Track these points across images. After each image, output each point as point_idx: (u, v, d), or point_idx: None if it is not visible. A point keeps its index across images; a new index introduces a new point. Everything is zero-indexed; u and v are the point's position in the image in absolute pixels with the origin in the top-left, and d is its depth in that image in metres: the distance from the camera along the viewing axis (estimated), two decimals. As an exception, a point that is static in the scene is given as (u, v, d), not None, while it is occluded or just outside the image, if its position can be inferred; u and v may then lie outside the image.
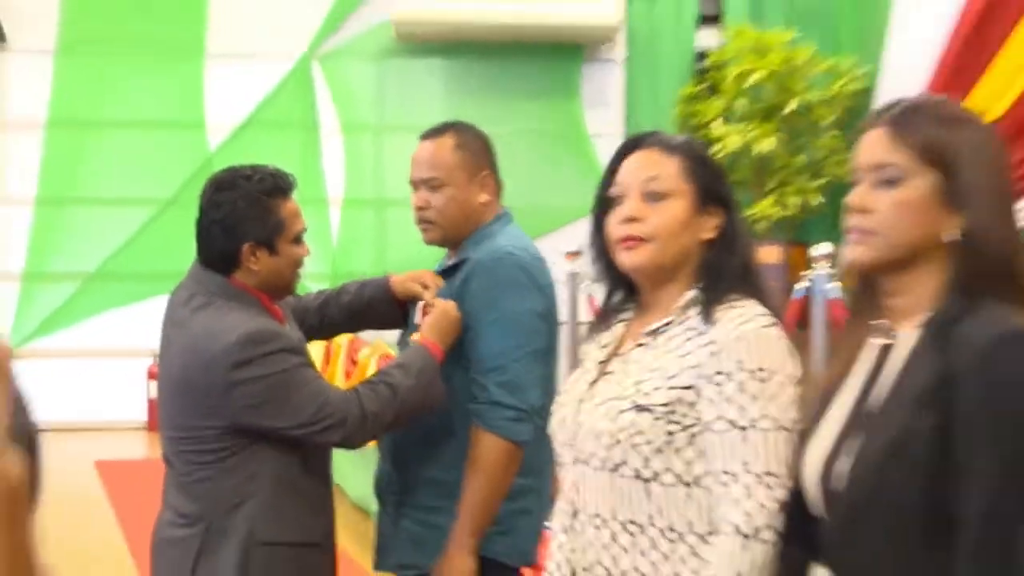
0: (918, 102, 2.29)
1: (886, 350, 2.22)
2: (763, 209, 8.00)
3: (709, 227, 2.53)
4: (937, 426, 2.06)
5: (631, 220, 2.50)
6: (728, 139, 8.04)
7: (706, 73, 8.61)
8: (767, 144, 8.04)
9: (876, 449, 2.13)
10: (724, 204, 2.54)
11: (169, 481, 3.31)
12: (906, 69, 7.82)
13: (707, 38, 8.87)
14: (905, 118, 2.19)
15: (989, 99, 7.36)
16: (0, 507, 0.50)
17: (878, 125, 2.21)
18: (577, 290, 6.34)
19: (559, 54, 8.77)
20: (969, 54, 7.50)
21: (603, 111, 8.49)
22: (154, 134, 8.81)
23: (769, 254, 7.01)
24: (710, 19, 8.91)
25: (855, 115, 8.07)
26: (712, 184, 2.54)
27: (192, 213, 3.19)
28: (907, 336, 2.18)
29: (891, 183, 2.16)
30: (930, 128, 2.17)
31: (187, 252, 3.26)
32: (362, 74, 8.66)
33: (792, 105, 8.05)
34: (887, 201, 2.16)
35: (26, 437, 1.18)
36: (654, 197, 2.52)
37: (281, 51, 8.51)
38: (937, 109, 2.23)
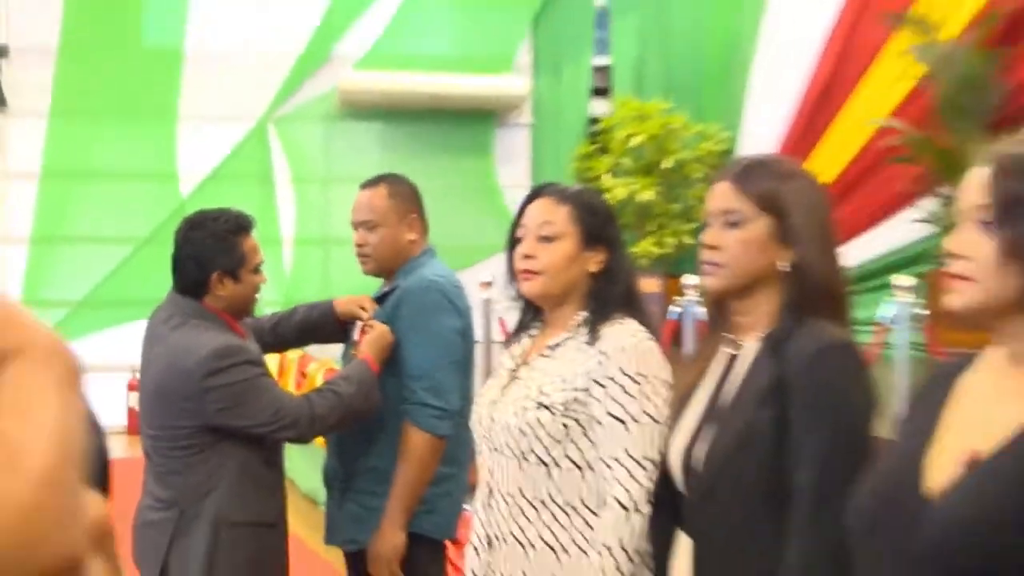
0: (758, 160, 2.38)
1: (733, 358, 2.30)
2: (644, 248, 8.03)
3: (595, 262, 2.62)
4: (774, 418, 2.13)
5: (528, 257, 2.60)
6: (615, 190, 8.03)
7: (597, 136, 8.60)
8: (647, 194, 8.06)
9: (726, 437, 2.20)
10: (608, 243, 2.63)
11: (148, 472, 3.33)
12: (761, 134, 7.88)
13: (598, 107, 8.86)
14: (746, 173, 2.28)
15: (826, 162, 7.44)
16: (94, 543, 0.42)
17: (725, 178, 2.30)
18: (490, 314, 6.36)
19: (476, 119, 8.76)
20: (810, 125, 7.59)
21: (512, 167, 8.49)
22: (133, 184, 8.70)
23: (650, 284, 7.08)
24: (601, 91, 8.88)
25: (720, 170, 8.14)
26: (597, 227, 2.62)
27: (166, 250, 3.26)
28: (750, 347, 2.26)
29: (735, 225, 2.25)
30: (766, 181, 2.26)
31: (162, 282, 3.32)
32: (310, 134, 8.62)
33: (668, 162, 8.09)
34: (732, 240, 2.25)
35: (100, 459, 1.22)
36: (546, 239, 2.61)
37: (242, 115, 8.46)
38: (773, 166, 2.32)
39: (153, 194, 8.68)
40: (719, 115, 8.42)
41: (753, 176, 2.28)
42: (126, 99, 8.62)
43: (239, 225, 3.23)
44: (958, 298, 1.72)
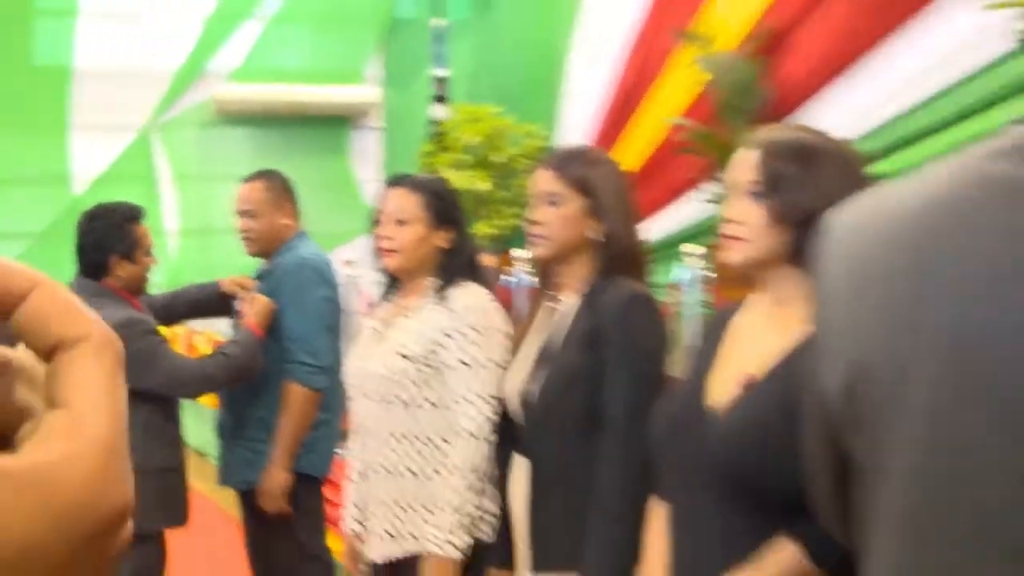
0: (572, 150, 2.49)
1: (557, 312, 2.41)
2: (481, 229, 8.05)
3: (442, 239, 2.69)
4: (592, 359, 2.24)
5: (387, 238, 2.67)
6: (455, 182, 8.02)
7: (439, 136, 8.54)
8: (482, 185, 8.06)
9: (555, 376, 2.30)
10: (453, 224, 2.71)
11: None
12: (574, 132, 7.98)
13: (439, 112, 8.83)
14: (563, 161, 2.39)
15: (629, 154, 7.54)
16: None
17: (546, 166, 2.41)
18: (352, 288, 6.37)
19: (334, 124, 8.69)
20: (614, 123, 7.67)
21: (366, 164, 8.47)
22: (30, 186, 8.42)
23: (488, 259, 7.12)
24: (440, 99, 8.88)
25: (541, 159, 8.19)
26: (443, 211, 2.70)
27: (61, 244, 3.24)
28: (570, 302, 2.37)
29: (555, 204, 2.35)
30: (579, 168, 2.37)
31: (56, 273, 3.25)
32: (189, 140, 8.44)
33: (499, 158, 8.11)
34: (553, 216, 2.35)
35: None
36: (401, 222, 2.67)
37: (128, 124, 8.24)
38: (584, 155, 2.43)
39: (48, 195, 8.39)
40: (540, 116, 8.42)
41: (568, 163, 2.39)
42: (19, 113, 8.29)
43: (132, 214, 3.24)
44: (734, 254, 1.83)
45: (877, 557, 1.05)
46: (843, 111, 5.90)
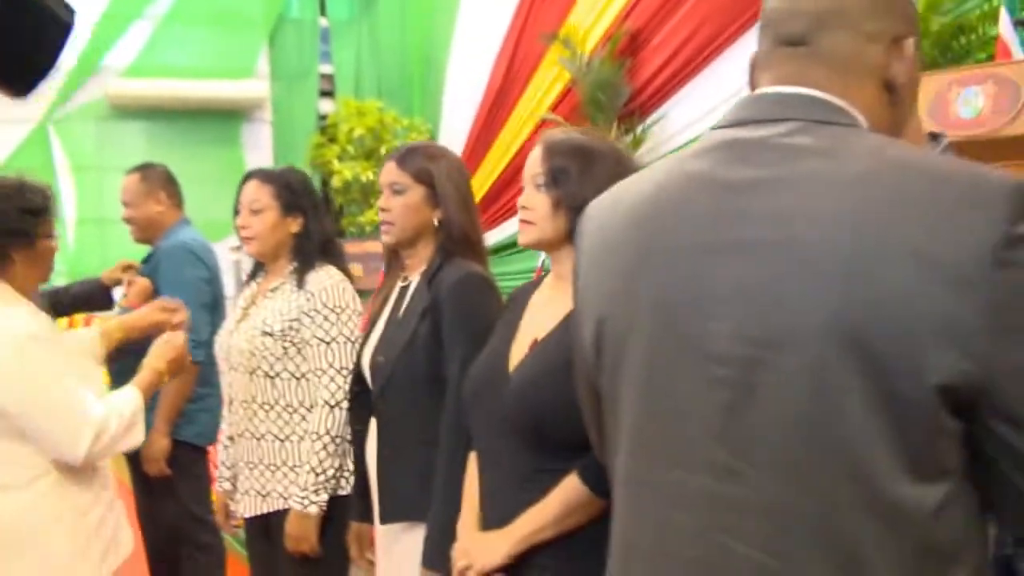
0: (414, 145, 2.62)
1: (405, 289, 2.54)
2: (369, 217, 8.14)
3: (294, 226, 2.81)
4: (431, 329, 2.37)
5: (243, 227, 2.78)
6: (343, 172, 8.12)
7: (326, 129, 8.61)
8: (368, 175, 8.14)
9: (398, 346, 2.43)
10: (303, 211, 2.82)
11: None
12: (454, 126, 8.13)
13: (326, 106, 8.86)
14: (405, 155, 2.52)
15: (505, 147, 7.71)
16: None
17: (391, 159, 2.53)
18: (240, 272, 6.38)
19: (226, 117, 8.64)
20: (491, 118, 7.84)
21: (257, 155, 8.43)
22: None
23: (374, 245, 7.22)
24: (327, 94, 8.91)
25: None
26: (292, 199, 2.82)
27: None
28: (416, 280, 2.50)
29: (399, 193, 2.48)
30: (420, 161, 2.50)
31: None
32: (85, 133, 8.33)
33: (384, 149, 8.17)
34: (397, 204, 2.48)
35: None
36: (255, 211, 2.79)
37: (25, 118, 8.10)
38: (425, 149, 2.56)
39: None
40: (422, 111, 8.56)
41: (410, 157, 2.51)
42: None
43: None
44: (525, 236, 1.99)
45: (615, 471, 1.24)
46: (697, 107, 6.12)
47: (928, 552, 1.01)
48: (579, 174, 1.89)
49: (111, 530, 2.47)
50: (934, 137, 1.51)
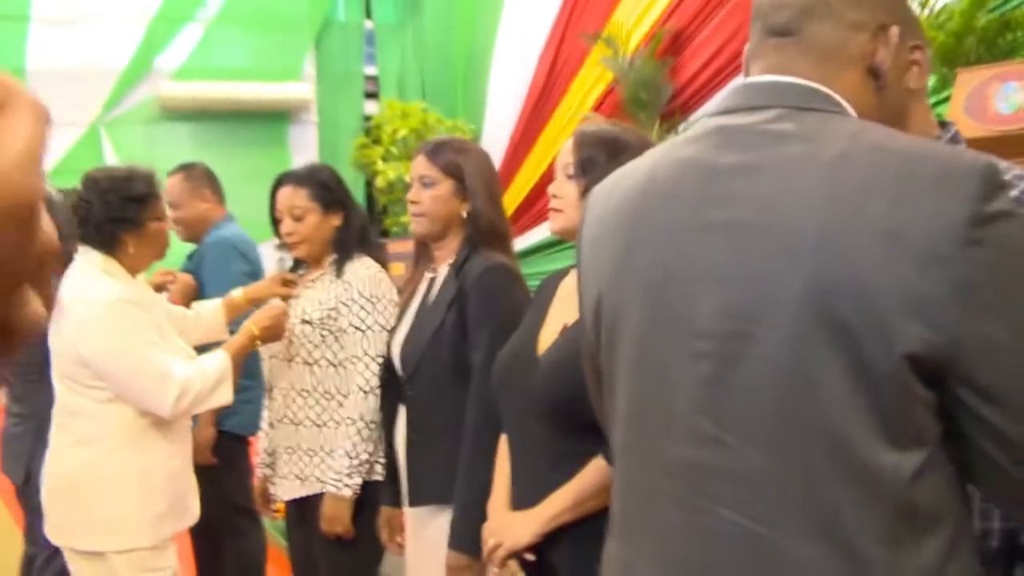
0: (443, 139, 2.69)
1: (433, 280, 2.62)
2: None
3: (336, 220, 2.90)
4: (457, 317, 2.45)
5: (288, 234, 2.87)
6: (387, 173, 8.18)
7: (371, 130, 8.66)
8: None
9: (426, 334, 2.51)
10: (341, 206, 2.91)
11: (8, 397, 3.46)
12: (498, 126, 8.18)
13: (370, 108, 8.93)
14: (435, 149, 2.59)
15: (549, 146, 7.73)
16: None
17: (421, 153, 2.61)
18: (283, 268, 6.48)
19: (273, 119, 8.75)
20: (534, 118, 7.87)
21: (303, 156, 8.46)
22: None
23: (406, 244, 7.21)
24: (372, 95, 8.99)
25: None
26: (330, 196, 2.90)
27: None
28: (444, 271, 2.58)
29: (429, 186, 2.56)
30: (449, 154, 2.57)
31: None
32: (136, 135, 8.45)
33: None
34: (427, 197, 2.56)
35: None
36: (296, 217, 2.88)
37: (77, 120, 8.27)
38: (453, 144, 2.63)
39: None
40: (466, 112, 8.60)
41: (440, 151, 2.58)
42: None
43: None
44: (555, 223, 2.07)
45: (613, 443, 1.31)
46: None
47: (906, 517, 1.06)
48: (607, 164, 1.93)
49: (176, 496, 2.79)
50: (943, 126, 1.56)
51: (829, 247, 1.04)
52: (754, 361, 1.08)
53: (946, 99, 4.58)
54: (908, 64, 1.36)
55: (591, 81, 7.56)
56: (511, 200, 7.84)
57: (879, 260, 1.02)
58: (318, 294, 2.88)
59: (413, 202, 2.56)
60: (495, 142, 8.28)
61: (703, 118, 1.27)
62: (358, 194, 8.43)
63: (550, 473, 1.94)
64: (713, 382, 1.12)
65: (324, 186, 2.92)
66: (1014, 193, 1.32)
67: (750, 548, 1.09)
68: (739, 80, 1.30)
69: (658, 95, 6.77)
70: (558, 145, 8.19)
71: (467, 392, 2.38)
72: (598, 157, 1.97)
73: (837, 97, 1.19)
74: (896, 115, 1.32)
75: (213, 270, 3.65)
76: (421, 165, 2.57)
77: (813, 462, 1.06)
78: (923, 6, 5.71)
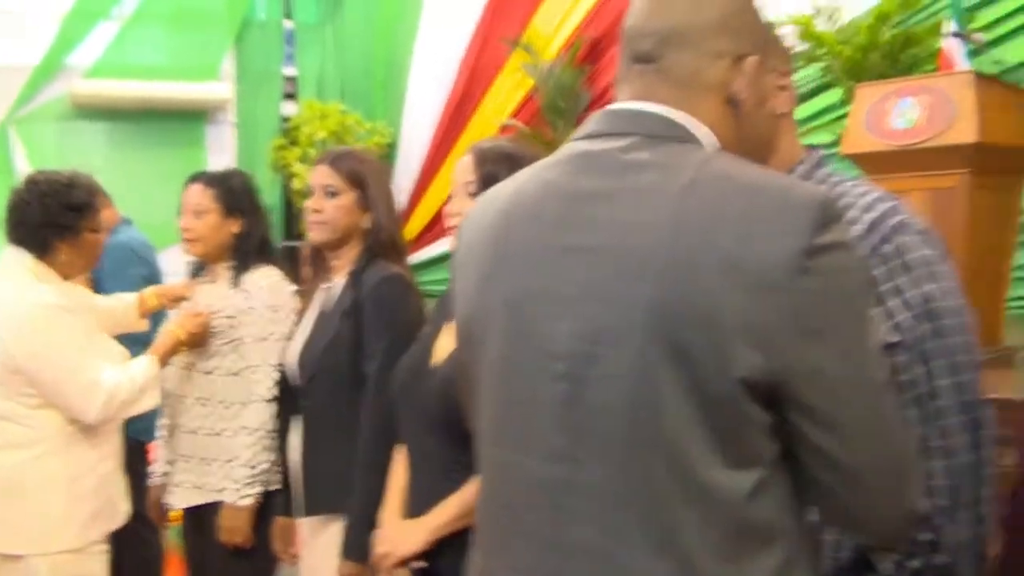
0: (346, 150, 2.71)
1: (330, 290, 2.63)
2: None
3: (235, 227, 2.89)
4: (353, 328, 2.46)
5: (186, 229, 2.86)
6: (303, 175, 8.12)
7: (289, 132, 8.59)
8: None
9: (322, 344, 2.52)
10: (244, 212, 2.91)
11: None
12: (417, 130, 8.17)
13: (289, 109, 8.84)
14: (339, 158, 2.61)
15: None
16: None
17: (324, 162, 2.62)
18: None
19: (189, 118, 8.61)
20: (454, 123, 7.87)
21: (220, 157, 8.41)
22: None
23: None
24: (290, 96, 8.91)
25: (388, 158, 8.29)
26: (234, 202, 2.90)
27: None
28: (340, 281, 2.60)
29: (333, 195, 2.57)
30: (353, 164, 2.59)
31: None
32: (47, 133, 8.27)
33: None
34: (331, 206, 2.57)
35: None
36: (197, 215, 2.87)
37: (-15, 117, 8.08)
38: (355, 153, 2.65)
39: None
40: (385, 115, 8.57)
41: (344, 160, 2.61)
42: None
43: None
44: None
45: (480, 458, 1.34)
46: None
47: (744, 534, 1.11)
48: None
49: (105, 499, 2.82)
50: (810, 149, 1.61)
51: (673, 273, 1.09)
52: (604, 381, 1.13)
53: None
54: (774, 90, 1.42)
55: (510, 87, 7.60)
56: (431, 203, 7.85)
57: (719, 287, 1.07)
58: (219, 301, 2.86)
59: (315, 211, 2.56)
60: (414, 145, 8.28)
61: (569, 141, 1.31)
62: (275, 196, 8.35)
63: (442, 483, 1.97)
64: (569, 402, 1.16)
65: (231, 191, 2.92)
66: (858, 228, 1.38)
67: (600, 563, 1.13)
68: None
69: (576, 102, 6.83)
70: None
71: (362, 402, 2.39)
72: (500, 173, 2.00)
73: (695, 125, 1.23)
74: (761, 141, 1.38)
75: (112, 274, 3.62)
76: (324, 174, 2.58)
77: (656, 480, 1.11)
78: (830, 20, 5.85)
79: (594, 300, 1.14)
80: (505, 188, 1.34)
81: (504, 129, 7.51)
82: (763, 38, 1.32)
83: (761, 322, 1.06)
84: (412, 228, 7.74)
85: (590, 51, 6.87)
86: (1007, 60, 4.71)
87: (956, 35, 4.38)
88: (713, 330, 1.07)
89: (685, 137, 1.22)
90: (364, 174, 2.57)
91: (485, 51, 7.74)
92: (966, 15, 5.47)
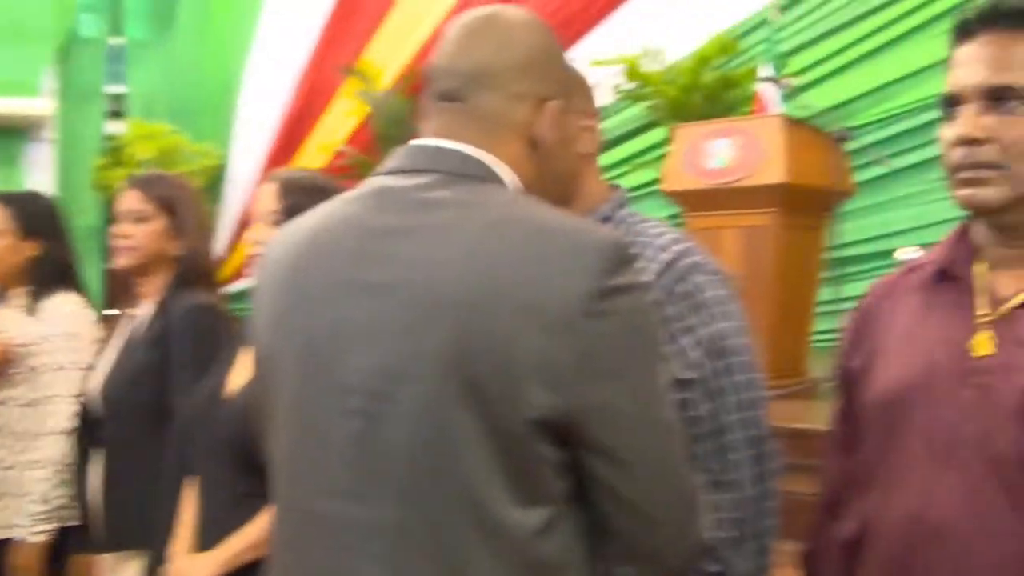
0: (155, 173, 2.62)
1: (137, 317, 2.53)
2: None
3: (31, 250, 2.75)
4: (159, 358, 2.37)
5: None
6: (129, 196, 7.88)
7: (113, 151, 8.36)
8: None
9: (127, 374, 2.42)
10: (44, 235, 2.77)
11: None
12: (247, 153, 8.06)
13: (115, 127, 8.62)
14: (149, 183, 2.52)
15: None
16: None
17: (133, 187, 2.52)
18: None
19: (8, 135, 8.32)
20: (285, 147, 7.86)
21: (40, 175, 8.14)
22: None
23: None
24: (117, 114, 8.69)
25: (217, 181, 8.15)
26: (33, 225, 2.76)
27: None
28: (148, 309, 2.50)
29: (143, 220, 2.48)
30: (164, 190, 2.50)
31: None
32: None
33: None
34: (139, 231, 2.48)
35: None
36: None
37: None
38: (167, 179, 2.56)
39: None
40: (214, 136, 8.43)
41: (154, 185, 2.52)
42: None
43: None
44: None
45: (275, 496, 1.30)
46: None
47: (533, 571, 1.11)
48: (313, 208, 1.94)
49: None
50: (613, 188, 1.64)
51: (468, 313, 1.09)
52: (396, 419, 1.12)
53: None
54: (579, 131, 1.43)
55: (344, 113, 7.58)
56: (260, 229, 7.71)
57: (512, 327, 1.07)
58: (9, 328, 2.71)
59: (123, 236, 2.46)
60: (243, 169, 8.14)
61: (372, 176, 1.29)
62: (99, 216, 8.05)
63: (234, 515, 1.91)
64: (361, 439, 1.14)
65: (30, 214, 2.77)
66: (654, 268, 1.41)
67: None
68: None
69: (408, 132, 6.77)
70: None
71: (167, 435, 2.30)
72: (304, 204, 1.96)
73: (498, 165, 1.23)
74: (564, 181, 1.39)
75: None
76: (134, 199, 2.49)
77: (447, 519, 1.10)
78: (655, 61, 6.05)
79: (389, 337, 1.13)
80: (307, 221, 1.32)
81: (337, 156, 7.48)
82: (567, 81, 1.34)
83: (553, 362, 1.07)
84: (240, 253, 7.58)
85: (423, 81, 6.90)
86: (816, 104, 4.96)
87: (768, 80, 4.60)
88: (506, 370, 1.07)
89: (486, 176, 1.22)
90: (175, 200, 2.49)
91: (319, 76, 7.71)
92: (781, 60, 5.75)
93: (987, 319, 1.29)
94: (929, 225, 5.41)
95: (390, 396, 1.12)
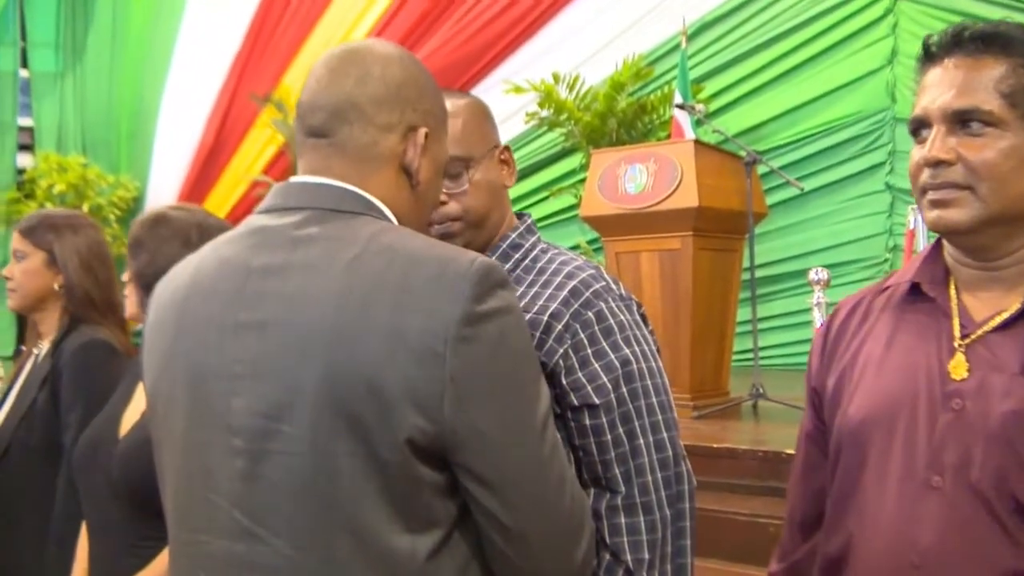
0: (42, 213, 2.54)
1: (35, 356, 2.43)
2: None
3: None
4: (50, 397, 2.28)
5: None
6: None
7: (24, 184, 8.17)
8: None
9: (18, 414, 2.33)
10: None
11: None
12: (164, 184, 7.92)
13: (25, 161, 8.40)
14: (27, 223, 2.47)
15: (217, 207, 7.56)
16: None
17: (15, 229, 2.46)
18: None
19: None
20: (202, 177, 7.76)
21: None
22: None
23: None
24: (27, 147, 8.48)
25: (131, 214, 7.96)
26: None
27: None
28: (44, 348, 2.40)
29: (21, 259, 2.42)
30: (41, 228, 2.45)
31: None
32: None
33: (86, 206, 7.76)
34: (18, 270, 2.42)
35: None
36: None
37: None
38: (50, 218, 2.48)
39: None
40: (129, 168, 8.28)
41: (32, 225, 2.45)
42: None
43: None
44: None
45: (169, 535, 1.25)
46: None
47: None
48: (152, 242, 1.92)
49: None
50: (520, 217, 1.60)
51: (341, 345, 1.08)
52: (280, 456, 1.11)
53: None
54: (500, 164, 1.51)
55: (262, 143, 7.49)
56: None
57: (384, 356, 1.07)
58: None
59: (7, 277, 2.38)
60: (160, 200, 7.97)
61: (251, 215, 1.25)
62: (8, 252, 7.82)
63: (126, 558, 1.85)
64: (248, 477, 1.13)
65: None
66: (561, 295, 1.38)
67: None
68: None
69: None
70: (227, 207, 8.04)
71: (59, 475, 2.21)
72: (143, 238, 1.93)
73: (369, 197, 1.22)
74: (425, 208, 1.36)
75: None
76: (15, 240, 2.45)
77: (337, 551, 1.09)
78: (570, 89, 6.05)
79: (267, 376, 1.12)
80: (191, 261, 1.29)
81: (255, 185, 7.37)
82: (432, 111, 1.31)
83: (423, 388, 1.07)
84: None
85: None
86: (728, 129, 5.00)
87: (679, 106, 4.63)
88: (380, 398, 1.06)
89: (359, 210, 1.21)
90: (51, 236, 2.41)
91: (235, 105, 7.60)
92: (694, 86, 5.81)
93: (964, 342, 1.28)
94: (842, 244, 5.49)
95: (273, 434, 1.11)
